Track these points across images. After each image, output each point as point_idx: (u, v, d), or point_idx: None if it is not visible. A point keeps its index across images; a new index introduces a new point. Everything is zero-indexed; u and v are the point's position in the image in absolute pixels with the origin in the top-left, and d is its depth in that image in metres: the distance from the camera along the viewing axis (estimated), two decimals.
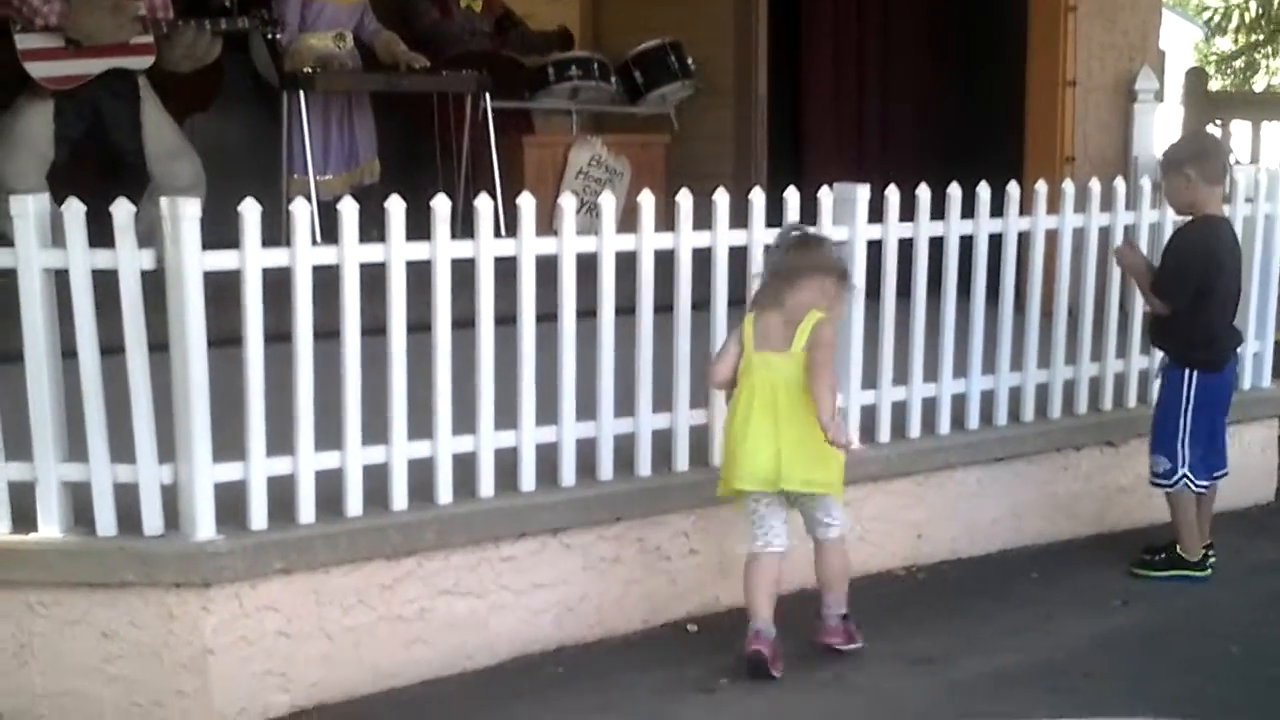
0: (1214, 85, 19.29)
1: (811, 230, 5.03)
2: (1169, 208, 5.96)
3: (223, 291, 4.49)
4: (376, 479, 4.72)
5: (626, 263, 5.08)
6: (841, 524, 4.92)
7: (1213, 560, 5.78)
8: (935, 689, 4.73)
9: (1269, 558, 6.14)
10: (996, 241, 5.91)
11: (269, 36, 7.82)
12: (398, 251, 4.68)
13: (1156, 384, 5.96)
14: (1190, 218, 5.72)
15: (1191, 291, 5.60)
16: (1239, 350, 6.08)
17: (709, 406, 5.30)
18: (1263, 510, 6.81)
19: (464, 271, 4.79)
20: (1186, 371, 5.67)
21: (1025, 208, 6.01)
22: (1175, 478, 5.70)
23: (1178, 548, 5.77)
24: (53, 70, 7.00)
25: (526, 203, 4.90)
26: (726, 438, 4.88)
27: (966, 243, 5.82)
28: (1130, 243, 6.02)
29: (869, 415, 5.68)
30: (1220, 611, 5.48)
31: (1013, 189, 5.94)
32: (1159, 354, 5.95)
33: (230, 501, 4.48)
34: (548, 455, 5.02)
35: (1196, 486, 5.72)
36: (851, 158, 9.15)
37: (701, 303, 5.25)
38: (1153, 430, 5.82)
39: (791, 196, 5.37)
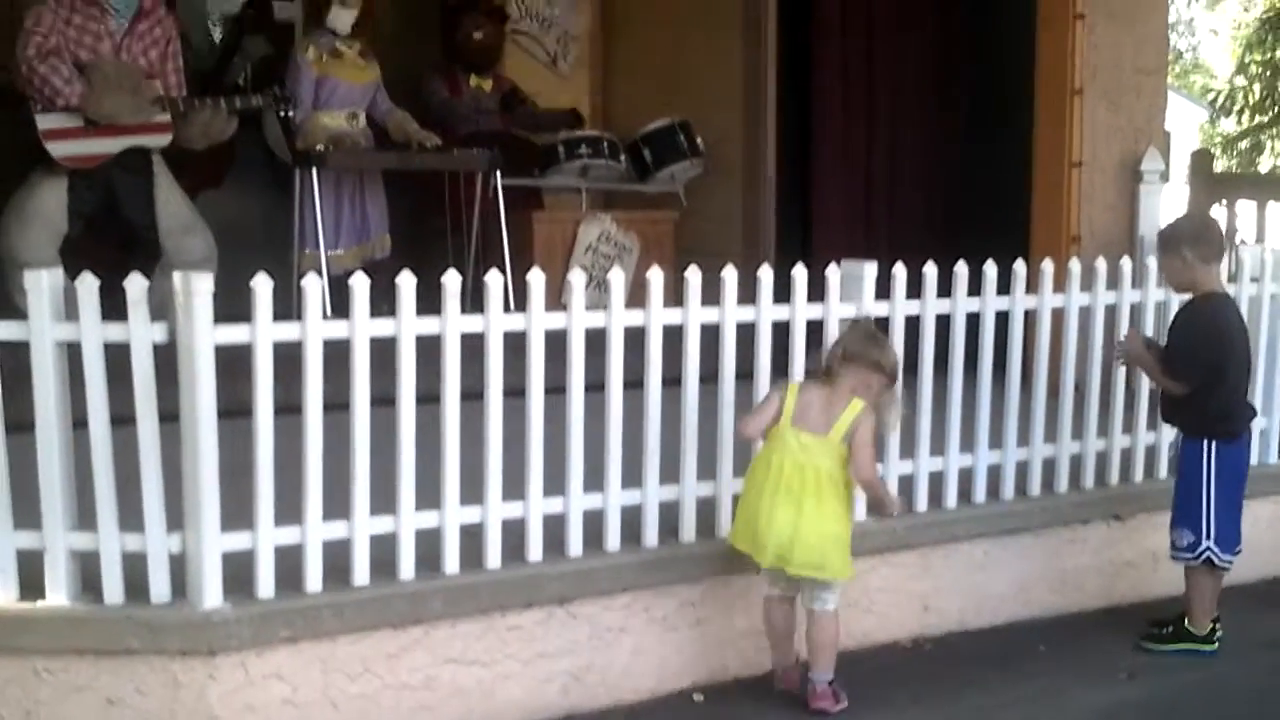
0: (1219, 166, 19.39)
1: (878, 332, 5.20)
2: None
3: (234, 363, 4.53)
4: (384, 549, 4.74)
5: (635, 338, 5.12)
6: (836, 598, 5.01)
7: (1220, 635, 5.77)
8: None
9: (1277, 633, 6.12)
10: (1003, 319, 5.95)
11: (283, 114, 7.91)
12: (408, 326, 4.72)
13: (1165, 458, 5.95)
14: (1190, 296, 5.74)
15: (1204, 369, 5.61)
16: (1250, 425, 6.08)
17: (716, 479, 5.33)
18: (1270, 585, 6.79)
19: (473, 345, 4.83)
20: (1205, 442, 5.66)
21: (1031, 286, 6.05)
22: (1199, 550, 5.68)
23: (1186, 621, 5.76)
24: (73, 150, 7.08)
25: (536, 278, 4.95)
26: (745, 503, 4.98)
27: (973, 320, 5.85)
28: (1132, 334, 5.99)
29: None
30: (1227, 686, 5.46)
31: (1019, 267, 5.98)
32: (1169, 431, 5.96)
33: (238, 570, 4.51)
34: (555, 526, 5.04)
35: (1221, 561, 5.70)
36: (859, 235, 9.20)
37: (709, 377, 5.28)
38: (1175, 504, 5.81)
39: (799, 273, 5.42)
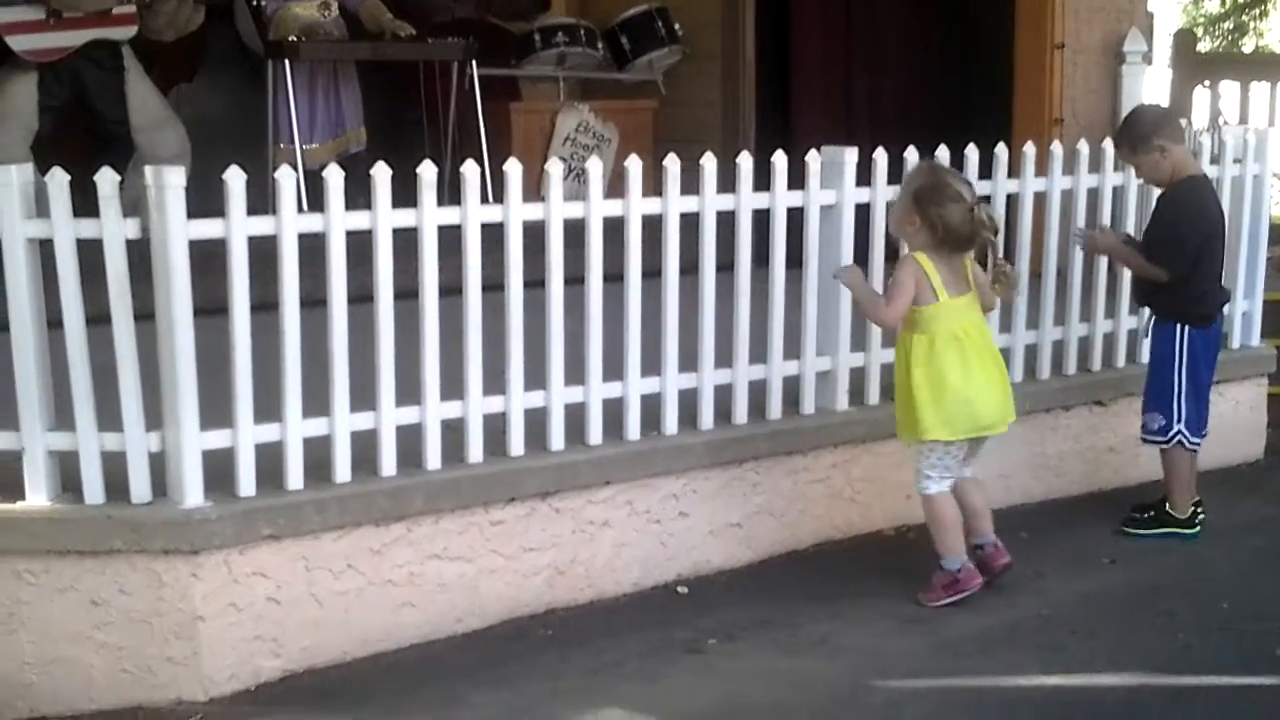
0: (1202, 47, 19.24)
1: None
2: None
3: (208, 260, 4.48)
4: (365, 445, 4.72)
5: (614, 228, 5.08)
6: None
7: (1202, 517, 5.79)
8: (924, 648, 4.74)
9: (1258, 515, 6.15)
10: (985, 203, 5.90)
11: (253, 3, 7.80)
12: (384, 218, 4.67)
13: (1145, 343, 5.95)
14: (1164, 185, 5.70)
15: (1189, 254, 5.59)
16: (1226, 309, 6.06)
17: (698, 371, 5.31)
18: (1251, 468, 6.83)
19: (451, 238, 4.78)
20: (1177, 327, 5.67)
21: (1014, 170, 6.00)
22: (1170, 434, 5.71)
23: (1167, 506, 5.78)
24: (35, 44, 6.98)
25: (513, 169, 4.90)
26: (942, 390, 4.93)
27: None
28: (1101, 227, 5.97)
29: (859, 377, 5.68)
30: (1209, 568, 5.49)
31: (1001, 151, 5.93)
32: (1145, 312, 5.96)
33: (219, 469, 4.49)
34: (536, 420, 5.02)
35: (1190, 443, 5.73)
36: (839, 121, 9.13)
37: (689, 267, 5.24)
38: (1146, 388, 5.83)
39: (779, 160, 5.37)
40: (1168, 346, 5.69)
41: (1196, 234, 5.61)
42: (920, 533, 5.40)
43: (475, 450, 4.91)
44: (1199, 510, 5.80)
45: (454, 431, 4.88)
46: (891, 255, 5.53)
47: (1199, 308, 5.69)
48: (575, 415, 5.10)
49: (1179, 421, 5.69)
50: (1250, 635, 4.85)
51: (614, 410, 5.18)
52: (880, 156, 5.59)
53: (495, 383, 4.92)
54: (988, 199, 5.74)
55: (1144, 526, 5.79)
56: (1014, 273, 5.16)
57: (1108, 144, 6.23)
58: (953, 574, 5.01)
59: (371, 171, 4.67)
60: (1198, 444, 5.77)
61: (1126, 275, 6.27)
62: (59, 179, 4.33)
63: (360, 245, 4.66)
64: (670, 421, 5.29)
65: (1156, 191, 5.84)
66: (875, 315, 5.14)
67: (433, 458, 4.83)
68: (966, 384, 4.93)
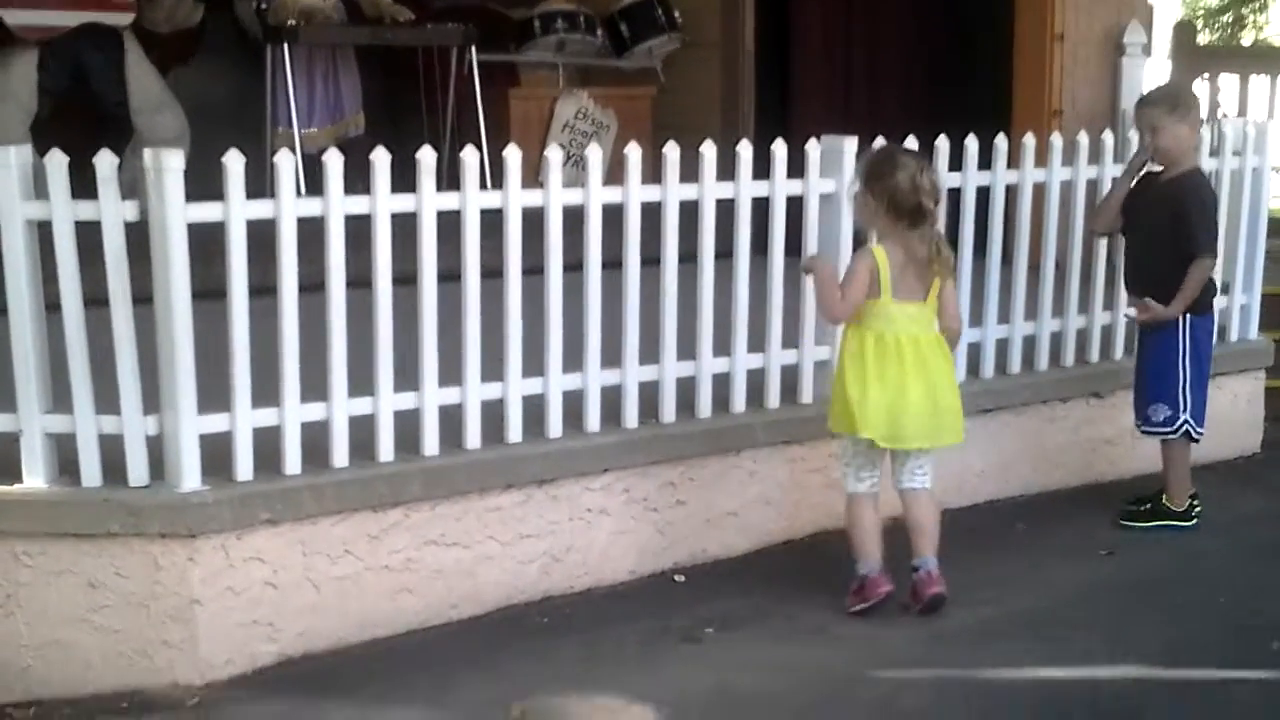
0: (1202, 39, 19.24)
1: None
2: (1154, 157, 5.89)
3: (207, 244, 4.47)
4: (363, 430, 4.72)
5: (613, 215, 5.06)
6: (933, 473, 4.98)
7: (1199, 510, 5.79)
8: (920, 639, 4.74)
9: (1255, 507, 6.16)
10: (984, 194, 5.90)
11: (256, 7, 7.79)
12: (383, 203, 4.66)
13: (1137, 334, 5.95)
14: (1176, 170, 5.68)
15: (1214, 239, 5.71)
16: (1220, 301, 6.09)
17: (696, 359, 5.30)
18: (1249, 461, 6.83)
19: (450, 224, 4.77)
20: (1182, 316, 5.66)
21: (1013, 161, 5.99)
22: (1177, 424, 5.70)
23: (1164, 498, 5.78)
24: (29, 19, 6.96)
25: (512, 155, 4.89)
26: (866, 389, 4.78)
27: (954, 196, 5.79)
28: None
29: None
30: (1207, 560, 5.50)
31: (1000, 142, 5.92)
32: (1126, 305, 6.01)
33: (216, 453, 4.48)
34: (534, 406, 5.02)
35: (1196, 432, 5.73)
36: (839, 110, 9.10)
37: (688, 255, 5.23)
38: (1146, 379, 5.81)
39: (779, 149, 5.36)
40: (1171, 337, 5.68)
41: (1216, 220, 5.75)
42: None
43: (473, 436, 4.91)
44: (1195, 503, 5.80)
45: (452, 418, 4.87)
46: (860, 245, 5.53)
47: (1204, 296, 5.70)
48: (573, 402, 5.09)
49: (1185, 411, 5.69)
50: (1248, 628, 4.85)
51: (612, 397, 5.17)
52: (885, 143, 5.57)
53: (494, 369, 4.91)
54: (985, 189, 5.76)
55: (1141, 519, 5.79)
56: (947, 255, 4.86)
57: (1107, 135, 6.23)
58: (860, 579, 4.90)
59: (371, 156, 4.66)
60: (1202, 433, 5.77)
61: (1122, 268, 6.27)
62: (57, 160, 4.32)
63: (359, 230, 4.64)
64: (668, 409, 5.29)
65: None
66: (826, 308, 4.96)
67: (430, 443, 4.83)
68: (883, 391, 4.75)
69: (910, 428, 4.81)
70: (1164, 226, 5.65)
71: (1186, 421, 5.70)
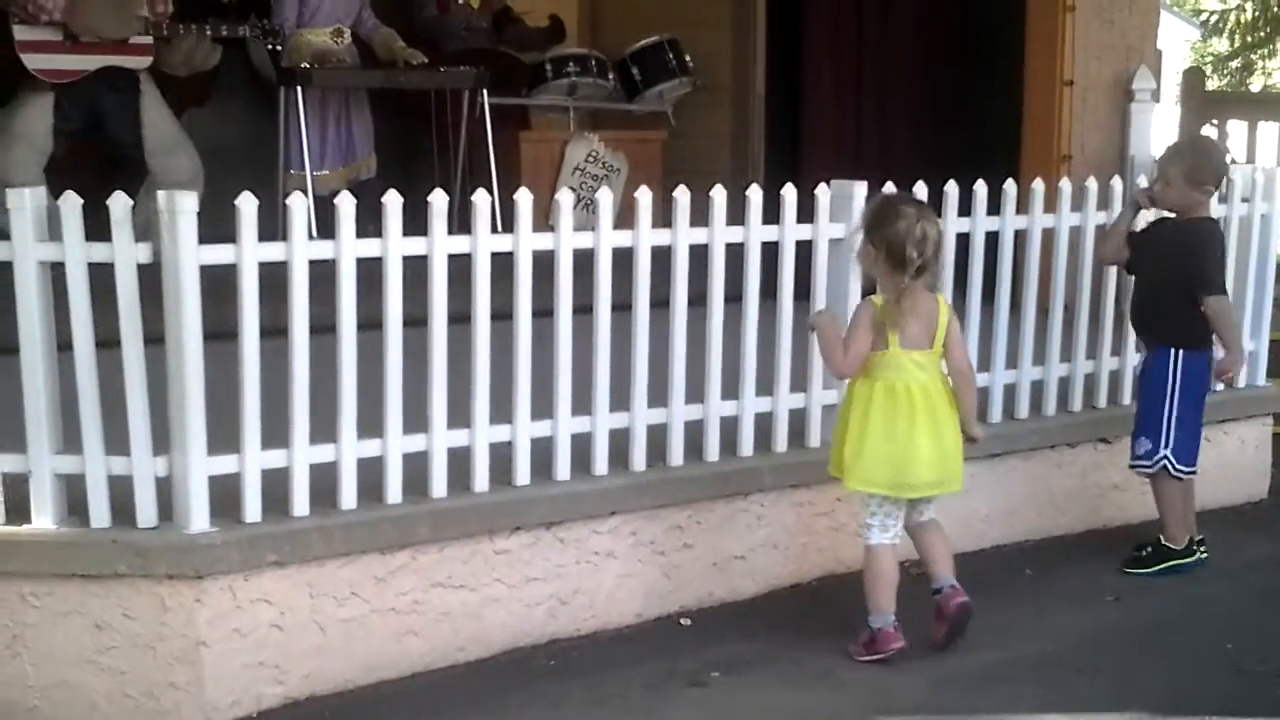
0: (1211, 85, 19.29)
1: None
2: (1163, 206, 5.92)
3: (219, 286, 4.50)
4: (371, 472, 4.73)
5: (623, 259, 5.09)
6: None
7: (1204, 554, 5.79)
8: (926, 684, 4.74)
9: (1262, 553, 6.15)
10: (993, 240, 5.92)
11: (270, 48, 7.85)
12: (394, 246, 4.68)
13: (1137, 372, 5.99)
14: (1174, 215, 5.79)
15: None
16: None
17: (705, 402, 5.31)
18: (1256, 507, 6.82)
19: (460, 267, 4.80)
20: (1171, 351, 5.70)
21: (1022, 206, 6.01)
22: (1155, 459, 5.72)
23: (1162, 539, 5.78)
24: (49, 64, 7.02)
25: (524, 198, 4.91)
26: (870, 440, 4.80)
27: (964, 241, 5.82)
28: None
29: None
30: (1214, 607, 5.48)
31: (1009, 187, 5.94)
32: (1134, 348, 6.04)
33: (225, 494, 4.50)
34: (542, 449, 5.03)
35: (1176, 470, 5.73)
36: (849, 155, 9.16)
37: (698, 298, 5.25)
38: (1137, 413, 5.86)
39: (789, 193, 5.39)
40: (1162, 371, 5.72)
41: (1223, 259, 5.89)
42: (922, 568, 5.40)
43: (481, 479, 4.92)
44: (1195, 544, 5.80)
45: (460, 460, 4.88)
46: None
47: (1197, 330, 5.74)
48: (581, 445, 5.11)
49: (1165, 447, 5.70)
50: (1253, 675, 4.84)
51: (620, 440, 5.18)
52: (889, 191, 5.60)
53: (502, 411, 4.93)
54: (994, 234, 5.77)
55: (1144, 565, 5.78)
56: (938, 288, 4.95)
57: (1116, 181, 6.25)
58: (871, 631, 4.90)
59: (383, 199, 4.69)
60: (1185, 473, 5.76)
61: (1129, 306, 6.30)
62: (72, 202, 4.35)
63: (370, 272, 4.67)
64: (676, 453, 5.30)
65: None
66: (831, 362, 4.93)
67: (439, 486, 4.84)
68: (891, 442, 4.77)
69: (920, 476, 4.83)
70: (1174, 268, 5.69)
71: (1165, 457, 5.71)
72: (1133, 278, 5.99)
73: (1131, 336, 6.33)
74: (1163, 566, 5.76)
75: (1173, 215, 5.79)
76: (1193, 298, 5.64)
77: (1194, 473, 5.81)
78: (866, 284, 5.41)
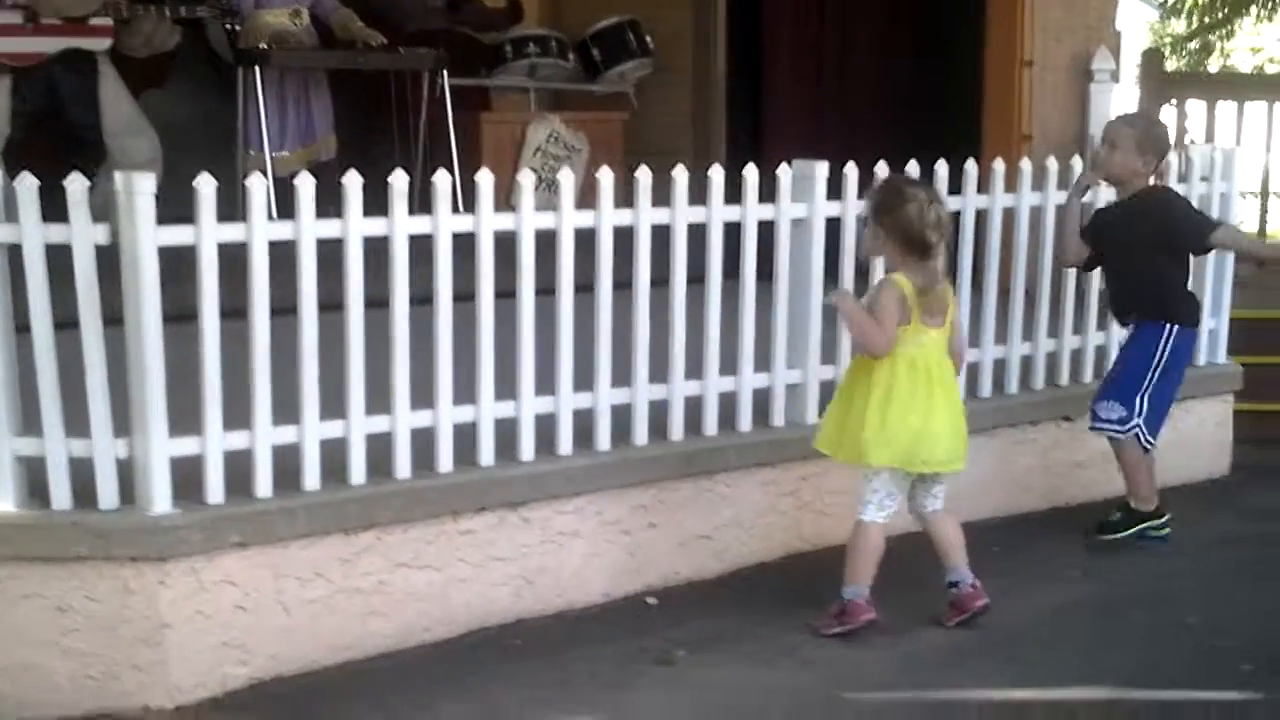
0: (1169, 65, 19.36)
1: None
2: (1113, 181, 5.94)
3: (178, 267, 4.46)
4: (335, 453, 4.71)
5: (585, 239, 5.07)
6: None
7: (1168, 530, 5.82)
8: (893, 660, 4.75)
9: (1225, 530, 6.19)
10: (954, 219, 5.91)
11: (229, 28, 7.80)
12: (355, 227, 4.66)
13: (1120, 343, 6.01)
14: (1119, 191, 5.87)
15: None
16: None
17: (669, 382, 5.31)
18: (1216, 484, 6.86)
19: (421, 248, 4.78)
20: (1166, 326, 5.72)
21: (983, 185, 6.02)
22: (1128, 425, 5.74)
23: (1132, 503, 5.82)
24: (9, 46, 6.96)
25: (485, 179, 4.89)
26: (888, 414, 4.80)
27: None
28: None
29: (829, 390, 5.67)
30: (1178, 583, 5.51)
31: (970, 167, 5.96)
32: (1120, 331, 6.03)
33: (187, 476, 4.47)
34: (506, 429, 5.02)
35: (1145, 440, 5.77)
36: (810, 135, 9.13)
37: (660, 279, 5.24)
38: (1111, 380, 5.89)
39: (750, 173, 5.38)
40: (1148, 344, 5.75)
41: None
42: (893, 545, 5.41)
43: (445, 460, 4.90)
44: (1165, 512, 5.83)
45: (424, 440, 4.86)
46: (860, 272, 5.55)
47: (1192, 304, 5.82)
48: (545, 425, 5.09)
49: (1138, 415, 5.73)
50: (1218, 650, 4.86)
51: (584, 421, 5.17)
52: (851, 171, 5.61)
53: (465, 392, 4.91)
54: (957, 214, 5.78)
55: (1116, 530, 5.82)
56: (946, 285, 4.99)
57: (1076, 161, 6.27)
58: (843, 603, 4.90)
59: (343, 180, 4.66)
60: (1152, 443, 5.80)
61: (1094, 292, 6.31)
62: (28, 183, 4.31)
63: (331, 254, 4.64)
64: (640, 432, 5.29)
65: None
66: (870, 343, 4.89)
67: (402, 467, 4.82)
68: (917, 415, 4.81)
69: (940, 450, 4.88)
70: (1146, 240, 5.71)
71: (1138, 425, 5.75)
72: (1098, 270, 6.03)
73: (1093, 316, 6.36)
74: (1136, 529, 5.81)
75: (1115, 200, 5.83)
76: (1183, 261, 5.67)
77: (1154, 445, 5.85)
78: (862, 266, 5.43)
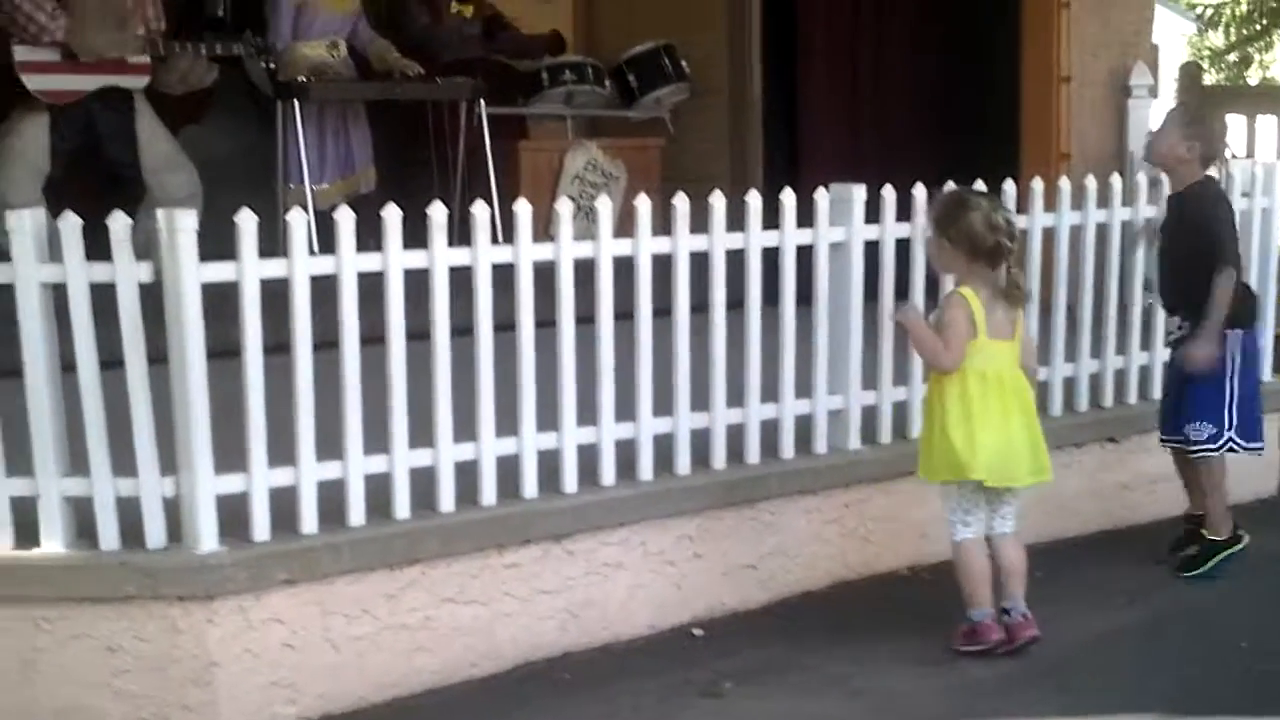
0: (1208, 80, 19.26)
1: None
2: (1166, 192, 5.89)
3: (221, 303, 4.48)
4: (379, 488, 4.71)
5: (624, 267, 5.07)
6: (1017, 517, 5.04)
7: (1243, 544, 5.74)
8: (942, 689, 4.72)
9: (1273, 550, 6.10)
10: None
11: (265, 66, 7.83)
12: (395, 260, 4.67)
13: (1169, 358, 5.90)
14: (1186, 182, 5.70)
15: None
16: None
17: (710, 410, 5.30)
18: (1264, 504, 6.78)
19: (461, 279, 4.78)
20: (1229, 333, 5.59)
21: (1022, 205, 6.00)
22: (1221, 442, 5.63)
23: (1206, 534, 5.72)
24: (48, 84, 7.01)
25: (523, 209, 4.90)
26: (975, 434, 4.81)
27: None
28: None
29: (870, 415, 5.67)
30: (1226, 606, 5.46)
31: (1009, 187, 5.92)
32: (1163, 351, 5.96)
33: (233, 513, 4.48)
34: (549, 461, 5.01)
35: (1246, 449, 5.67)
36: (847, 158, 9.13)
37: (699, 306, 5.23)
38: (1187, 395, 5.68)
39: (788, 198, 5.37)
40: (1218, 353, 5.56)
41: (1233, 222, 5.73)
42: (935, 573, 5.40)
43: (488, 493, 4.90)
44: (1237, 531, 5.75)
45: (467, 474, 4.86)
46: (930, 288, 5.52)
47: (1248, 305, 5.73)
48: (588, 456, 5.09)
49: (1229, 429, 5.63)
50: (1268, 675, 4.82)
51: (626, 451, 5.16)
52: (889, 193, 5.59)
53: (508, 424, 4.91)
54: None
55: (1198, 565, 5.71)
56: (1025, 286, 4.99)
57: (1115, 179, 6.24)
58: (971, 624, 4.93)
59: (382, 213, 4.67)
60: (1254, 449, 5.72)
61: (1137, 312, 6.26)
62: (72, 223, 4.33)
63: (371, 287, 4.65)
64: (683, 462, 5.28)
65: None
66: (936, 360, 4.90)
67: (446, 500, 4.82)
68: (993, 428, 4.81)
69: (1019, 465, 4.89)
70: (1186, 241, 5.64)
71: (1231, 439, 5.64)
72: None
73: (1136, 335, 6.31)
74: (1216, 561, 5.71)
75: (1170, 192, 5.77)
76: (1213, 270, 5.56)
77: (1262, 447, 5.76)
78: (930, 280, 5.40)
